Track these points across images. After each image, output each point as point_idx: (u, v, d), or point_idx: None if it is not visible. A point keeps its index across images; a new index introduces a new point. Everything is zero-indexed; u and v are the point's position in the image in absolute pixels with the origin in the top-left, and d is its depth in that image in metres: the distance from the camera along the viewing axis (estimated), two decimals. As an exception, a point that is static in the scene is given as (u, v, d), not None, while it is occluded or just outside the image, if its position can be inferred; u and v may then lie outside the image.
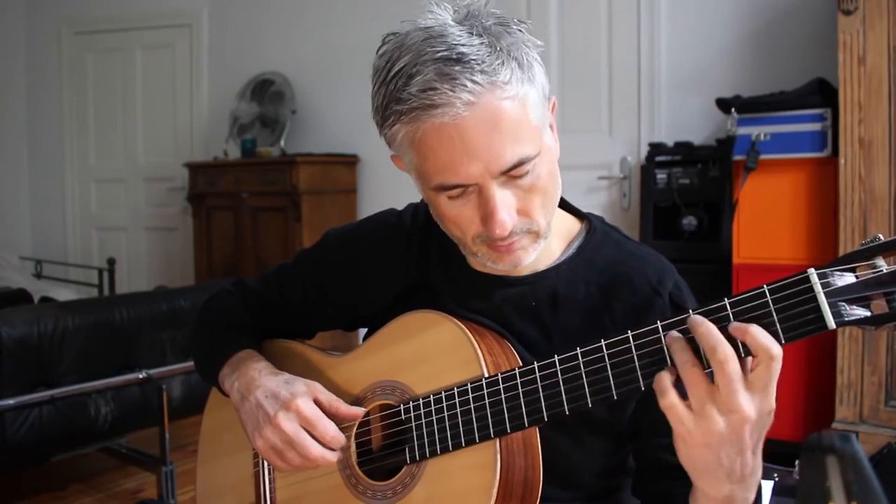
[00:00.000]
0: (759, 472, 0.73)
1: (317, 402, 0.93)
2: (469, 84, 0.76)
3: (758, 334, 0.68)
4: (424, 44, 0.78)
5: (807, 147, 2.59)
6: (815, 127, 2.58)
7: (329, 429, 0.92)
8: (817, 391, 2.58)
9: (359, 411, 0.94)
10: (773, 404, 0.69)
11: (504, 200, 0.81)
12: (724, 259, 2.77)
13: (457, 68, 0.76)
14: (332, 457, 0.92)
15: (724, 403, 0.68)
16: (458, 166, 0.79)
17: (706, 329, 0.69)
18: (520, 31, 0.82)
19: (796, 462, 1.64)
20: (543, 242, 0.88)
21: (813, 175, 2.60)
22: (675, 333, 0.72)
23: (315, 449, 0.91)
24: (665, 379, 0.71)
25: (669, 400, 0.71)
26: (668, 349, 0.73)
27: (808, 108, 2.60)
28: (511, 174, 0.81)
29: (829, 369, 2.47)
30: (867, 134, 2.35)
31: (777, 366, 0.68)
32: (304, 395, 0.92)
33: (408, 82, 0.78)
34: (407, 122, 0.80)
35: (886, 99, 2.33)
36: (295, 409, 0.91)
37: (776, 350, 0.68)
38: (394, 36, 0.83)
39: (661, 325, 0.74)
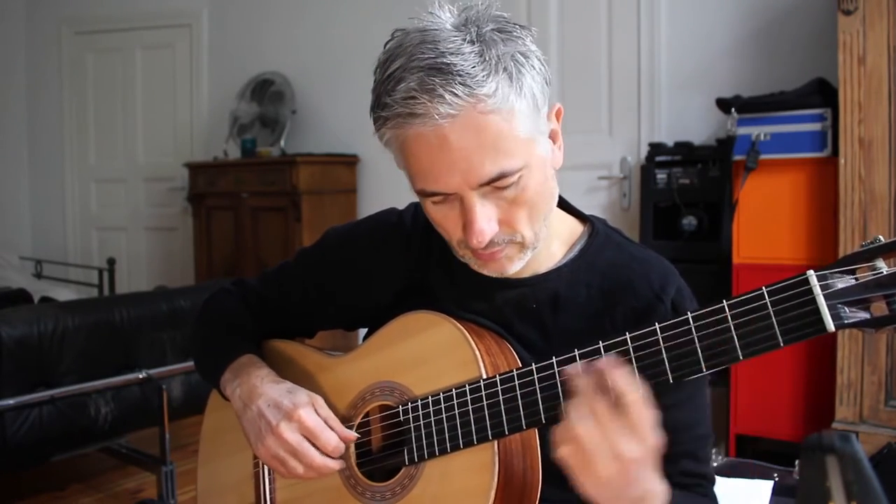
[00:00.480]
0: (661, 486, 0.74)
1: None
2: (447, 96, 0.76)
3: (616, 379, 0.69)
4: (417, 48, 0.78)
5: (807, 147, 2.59)
6: (815, 127, 2.58)
7: (331, 439, 0.92)
8: (817, 391, 2.58)
9: (351, 435, 0.94)
10: (656, 441, 0.70)
11: (483, 211, 0.81)
12: (724, 259, 2.77)
13: (437, 79, 0.76)
14: (335, 465, 0.93)
15: (612, 451, 0.69)
16: (438, 176, 0.80)
17: (580, 383, 0.71)
18: (520, 38, 0.81)
19: (796, 462, 1.64)
20: (532, 252, 0.88)
21: (813, 175, 2.59)
22: (574, 383, 0.72)
23: (318, 458, 0.91)
24: (560, 432, 0.72)
25: (563, 451, 0.71)
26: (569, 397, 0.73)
27: (808, 108, 2.60)
28: (493, 186, 0.80)
29: (829, 369, 2.47)
30: (867, 134, 2.35)
31: (635, 409, 0.69)
32: (307, 406, 0.93)
33: (394, 88, 0.78)
34: (391, 126, 0.80)
35: (886, 99, 2.33)
36: (297, 420, 0.91)
37: (631, 396, 0.69)
38: (401, 32, 0.83)
39: (660, 328, 0.74)
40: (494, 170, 0.79)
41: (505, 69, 0.78)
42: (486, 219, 0.81)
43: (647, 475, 0.72)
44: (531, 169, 0.82)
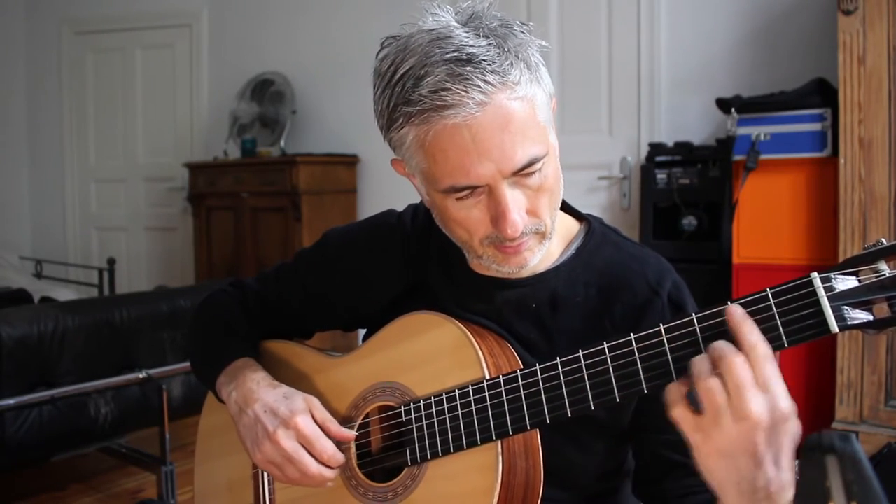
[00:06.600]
0: (790, 493, 0.67)
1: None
2: (482, 84, 0.76)
3: (746, 332, 0.67)
4: (431, 45, 0.78)
5: (807, 147, 2.59)
6: (815, 127, 2.58)
7: (327, 448, 0.91)
8: (817, 391, 2.58)
9: (350, 434, 0.94)
10: (787, 409, 0.66)
11: (515, 201, 0.82)
12: (724, 259, 2.77)
13: (468, 69, 0.76)
14: (330, 475, 0.92)
15: (736, 410, 0.66)
16: (470, 167, 0.79)
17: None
18: (524, 32, 0.82)
19: (796, 462, 1.64)
20: (548, 243, 0.88)
21: (813, 175, 2.60)
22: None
23: (313, 467, 0.91)
24: (675, 391, 0.70)
25: (680, 411, 0.70)
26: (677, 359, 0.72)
27: (808, 108, 2.60)
28: (521, 174, 0.81)
29: (829, 369, 2.47)
30: (867, 134, 2.35)
31: (767, 364, 0.66)
32: (303, 413, 0.92)
33: (417, 83, 0.77)
34: (417, 123, 0.79)
35: (886, 99, 2.33)
36: (294, 427, 0.91)
37: (762, 349, 0.66)
38: (394, 39, 0.82)
39: (664, 328, 0.74)
40: (525, 157, 0.80)
41: (524, 59, 0.80)
42: (517, 208, 0.82)
43: (778, 460, 0.67)
44: (550, 156, 0.83)
